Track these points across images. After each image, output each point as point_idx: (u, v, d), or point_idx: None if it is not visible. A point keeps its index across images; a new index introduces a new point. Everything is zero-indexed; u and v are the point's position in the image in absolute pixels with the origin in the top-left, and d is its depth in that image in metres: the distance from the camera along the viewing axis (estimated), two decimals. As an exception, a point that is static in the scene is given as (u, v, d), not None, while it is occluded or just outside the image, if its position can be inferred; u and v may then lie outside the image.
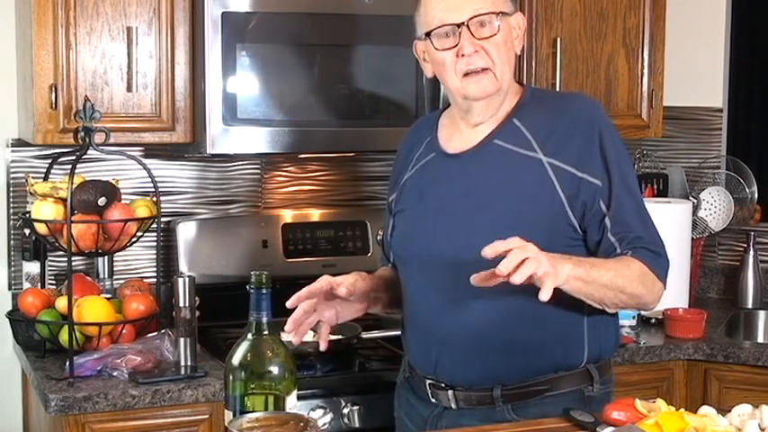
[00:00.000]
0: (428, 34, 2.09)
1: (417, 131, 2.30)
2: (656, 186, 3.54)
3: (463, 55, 2.05)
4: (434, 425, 2.15)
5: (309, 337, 2.70)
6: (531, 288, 1.94)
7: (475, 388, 2.10)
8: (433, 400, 2.16)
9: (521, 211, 2.04)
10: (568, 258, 1.94)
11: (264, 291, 1.68)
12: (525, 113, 2.12)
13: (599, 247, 2.07)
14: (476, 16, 2.04)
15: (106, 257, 2.93)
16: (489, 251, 1.82)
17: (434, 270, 2.10)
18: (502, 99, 2.12)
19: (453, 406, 2.12)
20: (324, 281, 2.11)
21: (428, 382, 2.16)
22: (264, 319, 1.68)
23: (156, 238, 2.66)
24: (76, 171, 2.49)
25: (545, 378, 2.08)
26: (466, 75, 2.07)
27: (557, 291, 1.88)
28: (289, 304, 2.08)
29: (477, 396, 2.10)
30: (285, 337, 2.62)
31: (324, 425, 2.47)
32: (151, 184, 2.62)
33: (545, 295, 1.82)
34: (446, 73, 2.09)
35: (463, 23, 2.04)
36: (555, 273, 1.85)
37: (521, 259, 1.81)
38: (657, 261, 2.05)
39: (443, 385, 2.13)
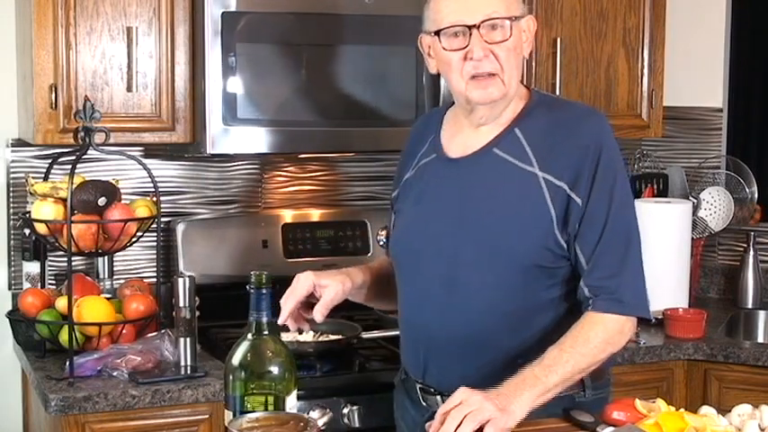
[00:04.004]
0: (438, 32, 2.03)
1: (424, 126, 2.26)
2: (656, 186, 3.54)
3: (472, 58, 2.00)
4: (424, 429, 2.15)
5: (309, 337, 2.71)
6: (518, 295, 1.99)
7: None
8: (424, 404, 2.15)
9: (508, 225, 2.02)
10: (523, 383, 1.90)
11: (264, 291, 1.68)
12: (528, 122, 2.08)
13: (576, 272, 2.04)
14: (489, 19, 2.00)
15: (106, 257, 2.93)
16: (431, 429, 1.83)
17: (423, 275, 2.10)
18: (507, 103, 2.08)
19: None
20: (308, 284, 2.13)
21: (418, 386, 2.16)
22: (264, 319, 1.68)
23: (156, 238, 2.66)
24: (76, 171, 2.49)
25: None
26: (473, 78, 2.03)
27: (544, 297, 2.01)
28: (281, 322, 2.11)
29: None
30: (285, 336, 2.63)
31: (324, 425, 2.47)
32: (151, 184, 2.62)
33: None
34: (452, 74, 2.05)
35: (475, 26, 1.99)
36: (506, 415, 1.83)
37: (459, 420, 1.79)
38: (622, 307, 1.99)
39: (432, 390, 2.13)
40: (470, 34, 2.00)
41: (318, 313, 2.12)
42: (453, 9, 2.01)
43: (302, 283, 2.13)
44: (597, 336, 1.97)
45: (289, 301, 2.11)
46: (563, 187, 2.00)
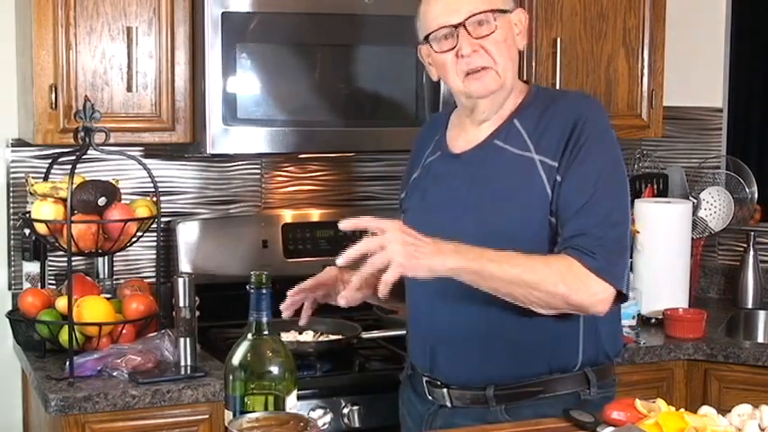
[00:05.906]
0: (427, 38, 2.10)
1: (429, 130, 2.32)
2: (656, 186, 3.54)
3: (463, 55, 2.06)
4: (430, 423, 2.17)
5: (309, 337, 2.71)
6: None
7: (468, 387, 2.11)
8: (430, 398, 2.17)
9: (510, 212, 2.05)
10: (458, 250, 1.92)
11: (264, 291, 1.68)
12: (526, 114, 2.12)
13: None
14: (472, 15, 2.05)
15: (106, 257, 2.93)
16: (347, 225, 1.92)
17: None
18: (506, 95, 2.13)
19: (448, 404, 2.13)
20: (333, 273, 2.18)
21: (425, 379, 2.18)
22: (264, 319, 1.68)
23: (156, 238, 2.66)
24: (76, 171, 2.49)
25: (538, 380, 2.08)
26: (468, 74, 2.08)
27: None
28: (290, 293, 2.15)
29: (470, 395, 2.11)
30: (285, 336, 2.63)
31: (324, 425, 2.47)
32: (151, 184, 2.62)
33: (382, 287, 1.85)
34: (448, 74, 2.11)
35: (460, 24, 2.05)
36: (414, 261, 1.87)
37: (372, 248, 1.88)
38: (591, 261, 1.96)
39: (439, 383, 2.15)
40: (458, 33, 2.06)
41: (343, 299, 2.04)
42: (438, 12, 2.08)
43: (327, 271, 2.19)
44: (558, 266, 1.96)
45: (308, 282, 2.17)
46: (555, 166, 2.03)
